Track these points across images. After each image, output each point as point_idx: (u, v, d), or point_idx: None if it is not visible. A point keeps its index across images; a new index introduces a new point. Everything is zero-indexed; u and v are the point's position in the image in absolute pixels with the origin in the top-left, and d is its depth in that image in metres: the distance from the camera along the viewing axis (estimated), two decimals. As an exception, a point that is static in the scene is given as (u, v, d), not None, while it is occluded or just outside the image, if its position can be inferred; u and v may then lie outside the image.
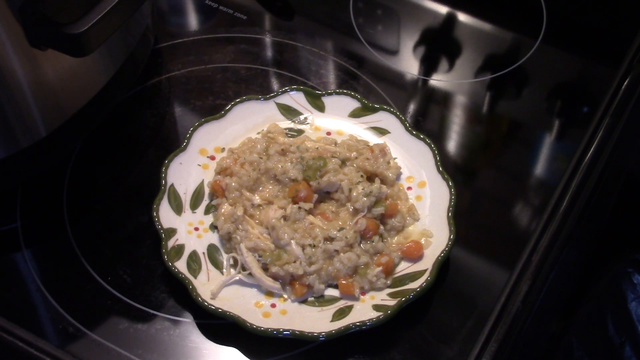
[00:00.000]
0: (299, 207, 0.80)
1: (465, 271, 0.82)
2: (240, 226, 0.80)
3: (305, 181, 0.82)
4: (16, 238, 0.83)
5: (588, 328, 0.88)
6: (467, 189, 0.86)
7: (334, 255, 0.78)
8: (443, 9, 1.06)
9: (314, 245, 0.78)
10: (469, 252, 0.83)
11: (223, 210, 0.81)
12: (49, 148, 0.82)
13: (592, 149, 0.86)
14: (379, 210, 0.81)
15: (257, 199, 0.82)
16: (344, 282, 0.78)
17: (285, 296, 0.77)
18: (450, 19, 1.06)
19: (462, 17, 1.06)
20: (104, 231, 0.84)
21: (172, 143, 0.91)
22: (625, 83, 0.91)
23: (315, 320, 0.75)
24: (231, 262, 0.80)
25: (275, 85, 0.98)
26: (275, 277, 0.77)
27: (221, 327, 0.76)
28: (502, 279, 0.78)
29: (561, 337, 0.90)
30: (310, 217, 0.80)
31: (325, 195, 0.83)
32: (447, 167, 0.85)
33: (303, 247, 0.78)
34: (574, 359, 0.86)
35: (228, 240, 0.80)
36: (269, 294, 0.78)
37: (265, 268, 0.78)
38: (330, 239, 0.79)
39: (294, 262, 0.77)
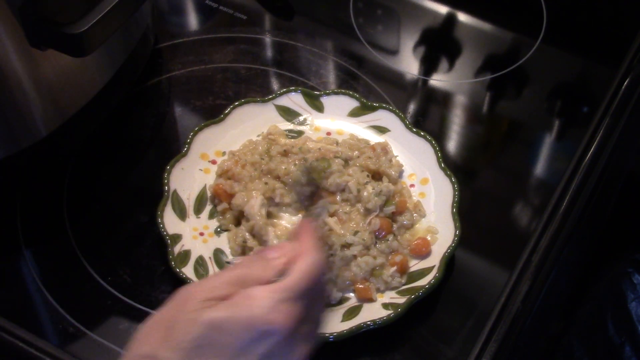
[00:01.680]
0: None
1: (465, 271, 0.82)
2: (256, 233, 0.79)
3: (312, 184, 0.82)
4: (16, 238, 0.83)
5: (588, 328, 0.88)
6: (467, 189, 0.86)
7: (351, 259, 0.78)
8: (443, 9, 1.06)
9: (332, 255, 0.77)
10: (469, 252, 0.83)
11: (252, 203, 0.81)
12: (49, 148, 0.82)
13: (592, 149, 0.86)
14: (390, 209, 0.81)
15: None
16: (360, 286, 0.77)
17: None
18: (450, 19, 1.06)
19: (462, 17, 1.06)
20: (104, 231, 0.84)
21: (172, 143, 0.91)
22: (625, 83, 0.91)
23: (326, 321, 0.75)
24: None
25: (275, 85, 0.98)
26: None
27: (221, 327, 0.76)
28: (502, 279, 0.78)
29: (561, 337, 0.90)
30: (328, 220, 0.80)
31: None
32: (447, 167, 0.85)
33: None
34: (574, 359, 0.86)
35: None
36: None
37: None
38: (347, 245, 0.78)
39: None
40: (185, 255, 0.79)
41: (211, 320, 0.52)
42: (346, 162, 0.84)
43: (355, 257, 0.78)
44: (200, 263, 0.79)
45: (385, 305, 0.76)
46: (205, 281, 0.56)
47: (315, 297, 0.57)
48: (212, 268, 0.79)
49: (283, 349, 0.54)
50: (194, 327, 0.52)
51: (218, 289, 0.54)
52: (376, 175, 0.85)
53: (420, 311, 0.77)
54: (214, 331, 0.52)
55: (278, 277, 0.55)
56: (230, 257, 0.80)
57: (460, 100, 0.98)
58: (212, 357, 0.52)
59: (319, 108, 0.91)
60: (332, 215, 0.80)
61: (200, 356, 0.52)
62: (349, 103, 0.91)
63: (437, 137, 0.88)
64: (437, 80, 1.00)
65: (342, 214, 0.81)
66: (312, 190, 0.69)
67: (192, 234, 0.81)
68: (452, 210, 0.81)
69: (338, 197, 0.82)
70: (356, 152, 0.86)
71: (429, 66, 1.01)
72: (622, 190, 1.00)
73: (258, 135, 0.89)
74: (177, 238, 0.80)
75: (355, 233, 0.78)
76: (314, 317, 0.57)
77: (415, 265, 0.80)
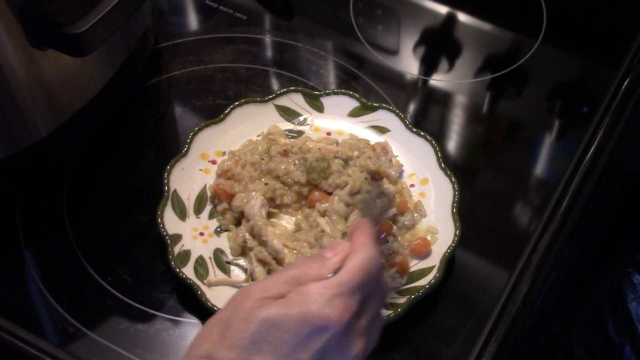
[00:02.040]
0: (312, 211, 0.80)
1: (466, 271, 0.82)
2: (255, 233, 0.80)
3: (310, 183, 0.82)
4: (16, 238, 0.83)
5: (588, 328, 0.88)
6: (467, 189, 0.86)
7: None
8: (443, 9, 1.06)
9: None
10: (469, 252, 0.83)
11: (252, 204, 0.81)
12: (49, 148, 0.82)
13: (592, 149, 0.86)
14: (392, 211, 0.81)
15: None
16: None
17: None
18: (450, 19, 1.06)
19: (462, 17, 1.06)
20: (104, 231, 0.84)
21: (172, 143, 0.91)
22: (625, 83, 0.91)
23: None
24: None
25: (275, 85, 0.98)
26: None
27: (221, 327, 0.76)
28: (502, 279, 0.78)
29: (561, 337, 0.90)
30: (320, 220, 0.80)
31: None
32: (448, 167, 0.85)
33: None
34: (574, 359, 0.86)
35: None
36: None
37: None
38: None
39: None
40: (185, 255, 0.79)
41: (265, 318, 0.53)
42: (346, 162, 0.84)
43: None
44: (200, 263, 0.79)
45: (385, 305, 0.76)
46: (261, 281, 0.57)
47: (371, 292, 0.57)
48: (212, 268, 0.79)
49: (339, 344, 0.54)
50: (249, 324, 0.53)
51: (274, 288, 0.55)
52: (376, 176, 0.85)
53: (420, 311, 0.77)
54: (269, 328, 0.53)
55: (333, 275, 0.56)
56: (230, 257, 0.80)
57: (460, 100, 0.98)
58: (268, 354, 0.52)
59: (319, 108, 0.91)
60: (323, 215, 0.80)
61: (256, 353, 0.52)
62: (349, 103, 0.91)
63: (437, 137, 0.88)
64: (437, 80, 1.00)
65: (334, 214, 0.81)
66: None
67: (192, 234, 0.81)
68: (452, 210, 0.81)
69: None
70: (356, 152, 0.86)
71: (429, 66, 1.01)
72: (622, 190, 1.00)
73: (258, 135, 0.89)
74: (177, 238, 0.80)
75: (343, 235, 0.78)
76: (371, 312, 0.57)
77: (415, 265, 0.80)
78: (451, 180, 0.83)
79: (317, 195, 0.81)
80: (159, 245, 0.80)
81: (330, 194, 0.82)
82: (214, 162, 0.87)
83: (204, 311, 0.75)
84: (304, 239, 0.79)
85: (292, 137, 0.89)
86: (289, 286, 0.55)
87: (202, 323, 0.77)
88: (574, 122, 0.97)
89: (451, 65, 1.01)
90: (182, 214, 0.82)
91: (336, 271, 0.56)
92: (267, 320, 0.53)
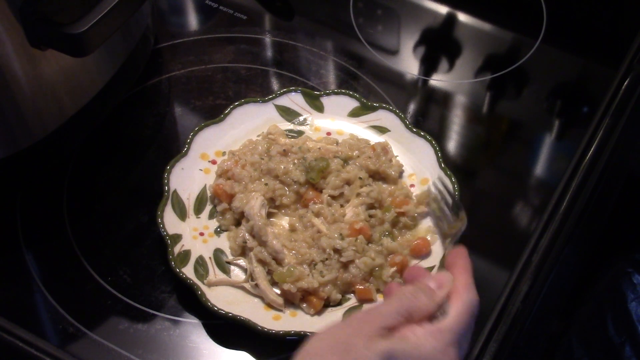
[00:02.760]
0: (306, 211, 0.81)
1: (465, 271, 0.82)
2: (255, 233, 0.80)
3: (309, 183, 0.82)
4: (16, 238, 0.83)
5: (588, 328, 0.88)
6: (467, 189, 0.86)
7: (349, 263, 0.78)
8: (443, 9, 1.06)
9: (328, 258, 0.78)
10: (469, 252, 0.83)
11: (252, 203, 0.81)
12: (49, 148, 0.82)
13: (592, 149, 0.86)
14: (390, 214, 0.81)
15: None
16: (360, 287, 0.77)
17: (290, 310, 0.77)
18: (450, 19, 1.06)
19: (462, 17, 1.06)
20: (104, 231, 0.84)
21: (172, 143, 0.91)
22: (625, 83, 0.91)
23: (326, 321, 0.75)
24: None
25: (275, 85, 0.98)
26: (288, 295, 0.76)
27: (222, 327, 0.76)
28: (502, 279, 0.78)
29: (561, 337, 0.90)
30: (314, 220, 0.80)
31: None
32: (447, 167, 0.85)
33: (316, 263, 0.78)
34: (574, 359, 0.86)
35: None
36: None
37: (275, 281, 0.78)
38: (338, 252, 0.78)
39: (307, 276, 0.77)
40: (185, 255, 0.79)
41: (387, 351, 0.55)
42: (346, 162, 0.84)
43: (352, 261, 0.78)
44: (200, 263, 0.79)
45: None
46: (377, 308, 0.60)
47: (468, 337, 0.61)
48: (212, 268, 0.79)
49: None
50: (371, 354, 0.55)
51: (389, 318, 0.58)
52: (376, 176, 0.85)
53: (420, 311, 0.77)
54: None
55: (439, 311, 0.60)
56: (230, 257, 0.80)
57: (460, 100, 0.98)
58: None
59: (319, 108, 0.91)
60: (317, 215, 0.80)
61: None
62: (349, 103, 0.91)
63: (437, 137, 0.88)
64: (437, 80, 1.00)
65: (328, 214, 0.80)
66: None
67: (192, 234, 0.81)
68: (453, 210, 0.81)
69: (327, 196, 0.82)
70: (356, 152, 0.86)
71: (429, 66, 1.01)
72: (622, 190, 1.00)
73: (258, 136, 0.89)
74: (177, 238, 0.79)
75: (343, 239, 0.78)
76: (466, 353, 0.61)
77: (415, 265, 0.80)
78: (451, 180, 0.83)
79: (310, 195, 0.81)
80: (159, 245, 0.80)
81: (321, 192, 0.82)
82: (214, 162, 0.87)
83: (204, 311, 0.75)
84: (301, 239, 0.79)
85: (292, 137, 0.89)
86: (401, 318, 0.58)
87: (202, 323, 0.77)
88: (574, 122, 0.97)
89: (451, 65, 1.01)
90: (182, 214, 0.82)
91: (441, 306, 0.60)
92: (388, 354, 0.55)
